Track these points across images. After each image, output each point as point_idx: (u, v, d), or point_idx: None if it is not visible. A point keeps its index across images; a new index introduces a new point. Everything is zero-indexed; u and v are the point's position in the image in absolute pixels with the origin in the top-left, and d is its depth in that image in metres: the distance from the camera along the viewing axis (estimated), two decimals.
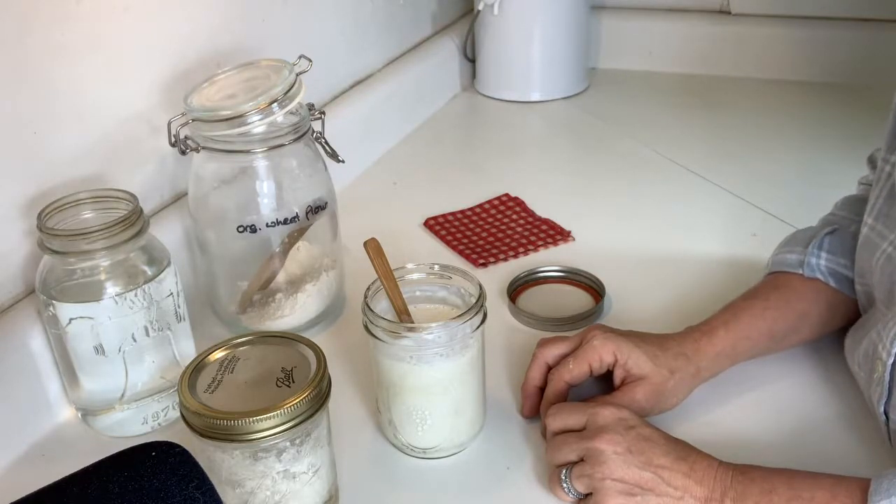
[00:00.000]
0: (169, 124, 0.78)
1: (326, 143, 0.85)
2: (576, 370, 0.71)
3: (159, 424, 0.76)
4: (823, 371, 0.78)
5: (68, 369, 0.73)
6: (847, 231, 0.77)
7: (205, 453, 0.58)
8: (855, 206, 0.80)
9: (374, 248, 0.70)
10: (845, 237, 0.77)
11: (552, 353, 0.73)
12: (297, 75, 0.80)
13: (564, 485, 0.63)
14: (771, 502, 0.58)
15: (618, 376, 0.71)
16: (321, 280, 0.86)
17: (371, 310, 0.67)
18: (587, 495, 0.62)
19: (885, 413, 0.65)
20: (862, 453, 0.69)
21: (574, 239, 1.03)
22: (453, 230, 1.06)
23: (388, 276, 0.70)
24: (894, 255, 0.65)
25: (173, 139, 0.78)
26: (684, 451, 0.62)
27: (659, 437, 0.62)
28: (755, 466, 0.61)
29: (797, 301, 0.76)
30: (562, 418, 0.65)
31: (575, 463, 0.63)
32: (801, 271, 0.77)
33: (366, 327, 0.68)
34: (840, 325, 0.78)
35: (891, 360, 0.62)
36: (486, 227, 1.07)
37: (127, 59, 0.85)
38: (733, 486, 0.59)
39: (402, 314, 0.70)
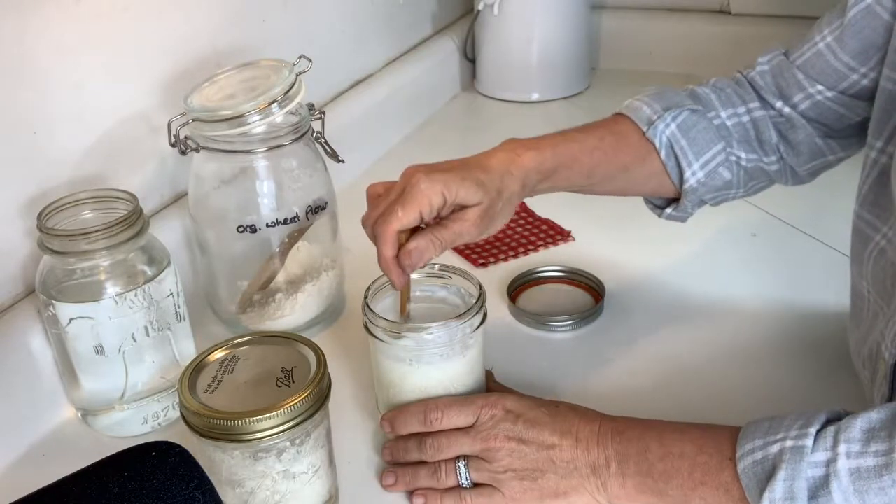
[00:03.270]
0: (169, 124, 0.78)
1: (326, 143, 0.85)
2: (405, 218, 0.67)
3: (159, 424, 0.76)
4: (824, 371, 0.78)
5: (68, 369, 0.73)
6: (707, 120, 0.79)
7: (205, 453, 0.58)
8: (739, 93, 0.80)
9: None
10: (701, 125, 0.78)
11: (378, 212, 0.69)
12: (297, 75, 0.80)
13: (462, 474, 0.64)
14: (647, 461, 0.60)
15: (446, 213, 0.69)
16: (321, 280, 0.86)
17: (371, 310, 0.67)
18: (478, 485, 0.64)
19: None
20: None
21: (574, 239, 1.03)
22: None
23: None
24: (888, 248, 0.65)
25: (173, 139, 0.78)
26: (567, 421, 0.64)
27: (544, 416, 0.64)
28: (632, 423, 0.63)
29: (626, 154, 0.78)
30: (449, 419, 0.65)
31: (468, 456, 0.64)
32: (644, 128, 0.78)
33: (366, 327, 0.68)
34: (648, 194, 0.84)
35: (893, 361, 0.62)
36: None
37: (127, 59, 0.85)
38: (614, 448, 0.61)
39: (405, 306, 0.70)
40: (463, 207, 0.68)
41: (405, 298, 0.70)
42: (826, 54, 0.73)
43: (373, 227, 0.67)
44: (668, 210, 0.83)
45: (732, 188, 0.82)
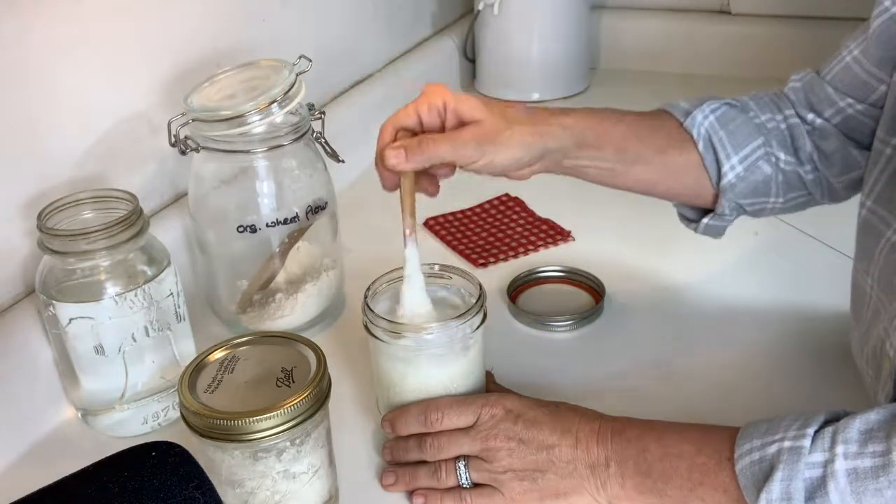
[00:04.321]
0: (169, 124, 0.78)
1: (326, 143, 0.85)
2: (401, 113, 0.68)
3: (159, 424, 0.76)
4: (824, 371, 0.78)
5: (68, 369, 0.73)
6: (747, 117, 0.78)
7: (205, 453, 0.58)
8: (776, 102, 0.80)
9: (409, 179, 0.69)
10: (740, 119, 0.77)
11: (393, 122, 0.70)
12: (297, 75, 0.80)
13: (462, 474, 0.64)
14: (646, 461, 0.60)
15: (450, 123, 0.69)
16: (321, 280, 0.86)
17: (371, 310, 0.67)
18: (478, 485, 0.64)
19: None
20: None
21: (574, 239, 1.03)
22: (453, 230, 1.06)
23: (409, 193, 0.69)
24: None
25: (173, 139, 0.78)
26: (567, 421, 0.64)
27: (543, 415, 0.64)
28: (632, 423, 0.63)
29: (662, 138, 0.77)
30: (450, 419, 0.65)
31: (468, 456, 0.64)
32: (682, 119, 0.77)
33: (366, 327, 0.68)
34: (685, 195, 0.80)
35: None
36: (486, 227, 1.06)
37: (127, 59, 0.85)
38: (613, 449, 0.61)
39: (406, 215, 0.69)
40: (465, 124, 0.68)
41: (405, 206, 0.69)
42: (853, 67, 0.73)
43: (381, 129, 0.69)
44: (706, 220, 0.80)
45: (771, 194, 0.79)
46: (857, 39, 0.73)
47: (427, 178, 0.71)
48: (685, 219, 0.84)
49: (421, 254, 0.70)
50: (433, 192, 0.72)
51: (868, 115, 0.74)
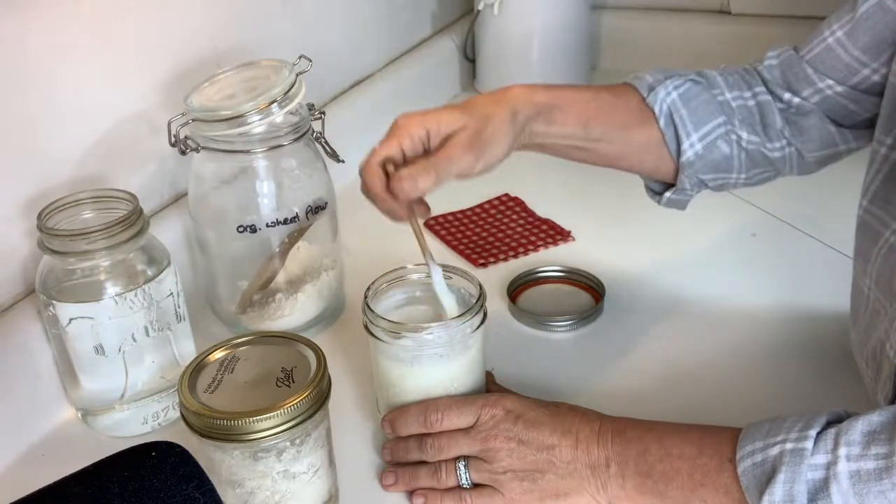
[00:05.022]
0: (169, 124, 0.78)
1: (326, 143, 0.85)
2: (382, 150, 0.67)
3: (159, 424, 0.76)
4: (824, 371, 0.78)
5: (68, 369, 0.73)
6: (710, 94, 0.78)
7: (205, 453, 0.58)
8: (746, 79, 0.80)
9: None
10: (703, 97, 0.78)
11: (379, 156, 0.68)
12: (297, 75, 0.80)
13: (463, 474, 0.64)
14: (647, 462, 0.60)
15: (435, 145, 0.68)
16: (321, 280, 0.86)
17: (371, 310, 0.67)
18: (478, 485, 0.64)
19: None
20: None
21: (574, 239, 1.03)
22: (453, 230, 1.06)
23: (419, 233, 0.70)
24: None
25: (173, 139, 0.78)
26: (567, 422, 0.64)
27: (544, 416, 0.64)
28: (632, 424, 0.63)
29: (624, 114, 0.77)
30: (450, 419, 0.65)
31: (469, 457, 0.64)
32: (645, 94, 0.78)
33: (366, 327, 0.68)
34: (647, 170, 0.81)
35: None
36: (486, 227, 1.07)
37: (127, 59, 0.85)
38: (614, 450, 0.61)
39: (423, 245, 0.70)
40: (451, 137, 0.67)
41: (417, 234, 0.69)
42: (836, 49, 0.73)
43: (361, 175, 0.68)
44: (668, 194, 0.82)
45: (733, 170, 0.80)
46: (842, 20, 0.73)
47: (418, 201, 0.71)
48: (650, 191, 0.85)
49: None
50: (427, 213, 0.73)
51: (848, 97, 0.74)
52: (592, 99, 0.76)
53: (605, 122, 0.76)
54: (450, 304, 0.69)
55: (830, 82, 0.74)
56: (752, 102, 0.78)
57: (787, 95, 0.77)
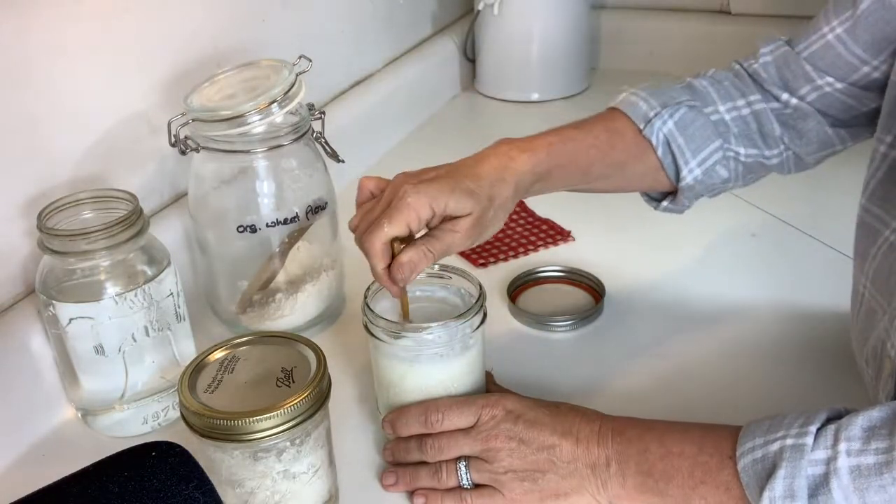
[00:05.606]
0: (169, 124, 0.78)
1: (326, 143, 0.85)
2: (391, 232, 0.65)
3: (159, 424, 0.76)
4: (824, 370, 0.78)
5: (68, 369, 0.73)
6: (705, 118, 0.78)
7: (205, 453, 0.58)
8: (738, 86, 0.80)
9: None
10: (699, 122, 0.78)
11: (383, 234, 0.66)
12: (297, 75, 0.80)
13: (463, 475, 0.64)
14: (647, 461, 0.60)
15: (436, 223, 0.68)
16: (321, 280, 0.86)
17: (371, 310, 0.67)
18: (479, 485, 0.64)
19: None
20: None
21: (574, 239, 1.03)
22: None
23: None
24: None
25: (173, 139, 0.78)
26: (568, 421, 0.64)
27: (544, 416, 0.64)
28: (632, 423, 0.63)
29: (622, 151, 0.77)
30: (450, 420, 0.65)
31: (469, 457, 0.64)
32: (641, 126, 0.78)
33: (366, 327, 0.68)
34: (644, 190, 0.83)
35: None
36: None
37: (127, 59, 0.85)
38: (614, 449, 0.61)
39: (406, 312, 0.70)
40: (454, 217, 0.67)
41: (404, 304, 0.69)
42: (837, 46, 0.73)
43: (360, 239, 0.67)
44: (665, 203, 0.83)
45: (730, 182, 0.82)
46: (842, 16, 0.72)
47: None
48: (647, 197, 0.86)
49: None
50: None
51: (848, 93, 0.74)
52: (592, 145, 0.76)
53: (603, 164, 0.77)
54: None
55: (830, 79, 0.74)
56: (746, 111, 0.78)
57: (784, 96, 0.77)
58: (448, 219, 0.67)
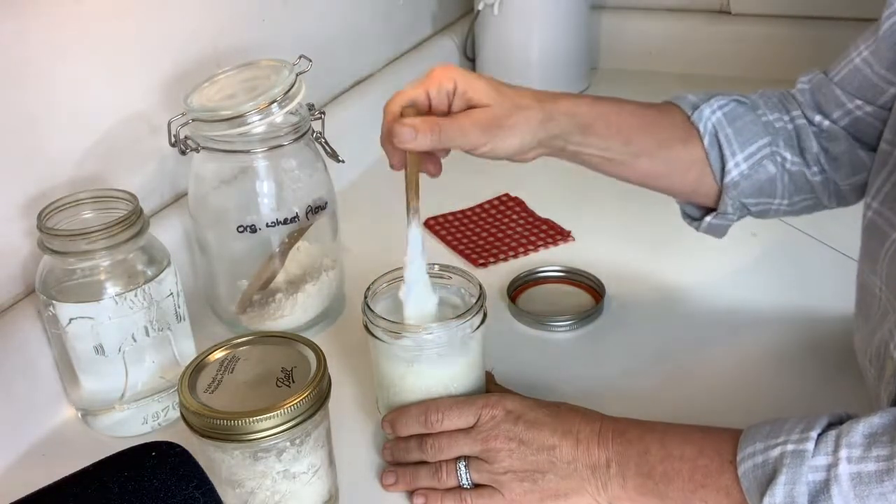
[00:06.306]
0: (169, 124, 0.78)
1: (326, 143, 0.85)
2: (410, 91, 0.67)
3: (159, 424, 0.76)
4: (825, 372, 0.78)
5: (68, 369, 0.73)
6: (755, 115, 0.77)
7: (205, 453, 0.58)
8: (784, 102, 0.79)
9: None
10: (748, 117, 0.77)
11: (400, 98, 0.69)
12: (297, 75, 0.80)
13: (463, 475, 0.64)
14: (647, 463, 0.60)
15: (457, 107, 0.68)
16: (321, 280, 0.86)
17: (371, 310, 0.67)
18: (479, 485, 0.64)
19: None
20: None
21: (574, 239, 1.03)
22: (453, 230, 1.06)
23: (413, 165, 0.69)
24: None
25: (173, 139, 0.78)
26: (568, 422, 0.64)
27: (544, 416, 0.64)
28: (633, 424, 0.63)
29: (667, 129, 0.76)
30: (450, 420, 0.65)
31: (469, 457, 0.64)
32: (689, 113, 0.77)
33: (366, 327, 0.68)
34: (688, 191, 0.79)
35: None
36: (486, 227, 1.06)
37: (127, 59, 0.85)
38: (615, 450, 0.61)
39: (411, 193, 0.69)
40: (473, 107, 0.67)
41: (410, 179, 0.68)
42: (863, 69, 0.73)
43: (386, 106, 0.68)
44: (708, 219, 0.79)
45: (776, 195, 0.78)
46: (867, 41, 0.73)
47: (429, 158, 0.71)
48: (688, 216, 0.83)
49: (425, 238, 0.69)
50: (435, 173, 0.72)
51: (877, 117, 0.73)
52: (635, 113, 0.75)
53: (648, 137, 0.75)
54: (416, 288, 0.68)
55: (859, 102, 0.74)
56: (790, 126, 0.77)
57: (817, 118, 0.76)
58: (470, 108, 0.67)
